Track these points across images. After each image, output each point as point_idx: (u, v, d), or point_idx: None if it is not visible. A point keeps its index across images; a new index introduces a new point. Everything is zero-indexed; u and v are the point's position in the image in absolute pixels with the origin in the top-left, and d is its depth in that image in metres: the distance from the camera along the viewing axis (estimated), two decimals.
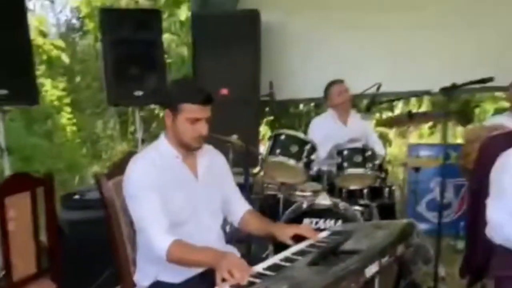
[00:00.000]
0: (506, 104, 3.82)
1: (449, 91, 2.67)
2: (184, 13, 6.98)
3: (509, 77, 3.55)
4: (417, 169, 3.35)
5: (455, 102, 9.75)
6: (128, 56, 3.66)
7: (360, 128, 3.63)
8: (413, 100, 7.02)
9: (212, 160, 2.06)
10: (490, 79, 2.53)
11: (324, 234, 2.04)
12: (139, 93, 3.67)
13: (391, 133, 8.84)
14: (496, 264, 1.96)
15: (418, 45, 4.12)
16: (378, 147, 3.51)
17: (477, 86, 2.64)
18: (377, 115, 7.10)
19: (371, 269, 1.62)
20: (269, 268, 1.63)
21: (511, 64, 3.83)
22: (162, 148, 1.94)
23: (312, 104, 5.75)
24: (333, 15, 4.20)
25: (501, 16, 4.01)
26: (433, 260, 2.83)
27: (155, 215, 1.79)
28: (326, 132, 3.57)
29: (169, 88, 2.06)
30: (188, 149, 1.93)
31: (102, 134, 7.85)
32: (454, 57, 4.05)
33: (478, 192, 2.06)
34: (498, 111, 4.25)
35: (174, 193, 1.88)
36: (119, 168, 2.00)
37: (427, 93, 3.13)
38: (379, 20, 4.08)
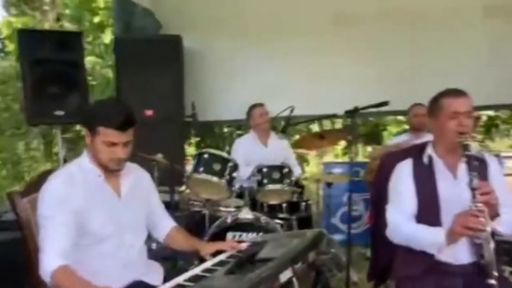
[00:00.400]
0: (407, 126, 4.21)
1: (353, 113, 2.91)
2: (108, 36, 6.93)
3: (408, 101, 3.95)
4: (329, 185, 3.56)
5: (365, 125, 10.51)
6: (48, 76, 3.57)
7: (280, 149, 3.79)
8: (328, 122, 7.42)
9: (137, 179, 2.04)
10: (386, 103, 2.79)
11: (244, 245, 2.11)
12: (60, 112, 3.58)
13: (310, 153, 9.30)
14: (397, 265, 2.11)
15: (329, 70, 4.40)
16: (294, 165, 3.68)
17: (375, 110, 2.89)
18: (297, 136, 7.40)
19: (285, 275, 1.69)
20: (189, 279, 1.66)
21: (409, 90, 4.22)
22: (84, 165, 1.89)
23: (235, 125, 5.91)
24: (251, 41, 4.40)
25: (399, 45, 4.41)
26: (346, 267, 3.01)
27: (54, 237, 1.70)
28: (248, 153, 3.72)
29: (88, 109, 2.00)
30: (106, 170, 1.89)
31: (25, 155, 7.44)
32: (360, 82, 4.37)
33: (379, 202, 2.23)
34: (400, 133, 4.64)
35: (95, 211, 1.83)
36: (35, 186, 1.90)
37: (334, 116, 3.36)
38: (294, 46, 4.32)
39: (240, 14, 4.35)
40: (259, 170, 3.19)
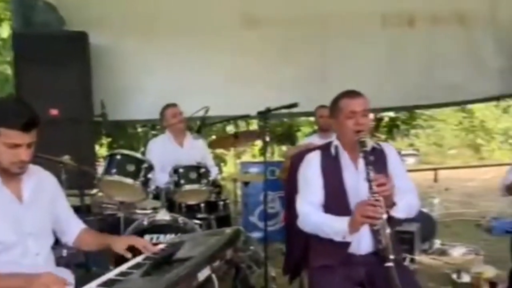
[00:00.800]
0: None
1: (265, 114, 3.01)
2: (6, 31, 6.36)
3: (318, 103, 4.15)
4: (246, 184, 3.63)
5: (280, 126, 10.86)
6: None
7: (196, 149, 3.77)
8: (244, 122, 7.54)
9: (39, 182, 1.91)
10: (295, 105, 2.92)
11: (161, 246, 2.08)
12: None
13: (228, 153, 9.40)
14: (311, 257, 2.21)
15: (243, 71, 4.46)
16: (211, 165, 3.70)
17: (286, 111, 3.00)
18: (213, 136, 7.43)
19: (204, 273, 1.70)
20: (103, 284, 1.60)
21: (318, 93, 4.42)
22: None
23: (149, 125, 5.76)
24: (163, 39, 4.29)
25: (308, 49, 4.59)
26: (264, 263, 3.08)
27: None
28: (163, 153, 3.66)
29: None
30: (7, 174, 1.76)
31: None
32: (273, 84, 4.49)
33: (292, 199, 2.33)
34: (312, 133, 4.87)
35: None
36: None
37: (248, 116, 3.44)
38: (208, 45, 4.31)
39: (150, 10, 4.22)
40: (175, 170, 3.16)
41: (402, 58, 4.68)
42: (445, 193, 6.06)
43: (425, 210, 4.71)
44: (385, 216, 1.86)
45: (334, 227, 2.01)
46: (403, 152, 9.29)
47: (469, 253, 3.87)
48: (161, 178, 3.26)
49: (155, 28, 4.26)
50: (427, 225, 4.09)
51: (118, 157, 2.93)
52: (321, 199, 2.13)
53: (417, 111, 9.15)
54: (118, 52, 4.40)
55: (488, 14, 4.67)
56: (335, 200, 2.11)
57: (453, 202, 5.74)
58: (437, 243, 4.02)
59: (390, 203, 1.95)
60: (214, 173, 3.61)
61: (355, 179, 2.09)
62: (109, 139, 5.63)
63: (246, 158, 9.24)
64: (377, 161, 2.01)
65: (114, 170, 2.88)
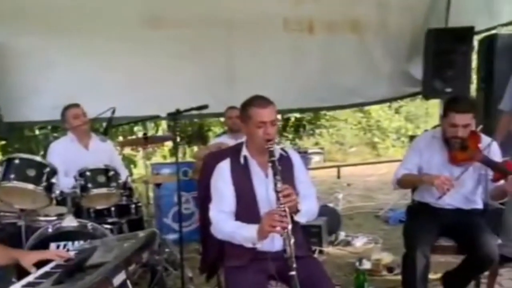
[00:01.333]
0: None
1: (175, 116, 3.01)
2: None
3: (227, 104, 4.23)
4: (158, 185, 3.57)
5: (191, 126, 10.80)
6: None
7: (103, 151, 3.62)
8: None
9: None
10: (205, 106, 2.96)
11: (71, 254, 1.98)
12: None
13: (138, 155, 9.11)
14: (225, 258, 2.27)
15: (151, 71, 4.34)
16: (122, 168, 3.58)
17: (195, 112, 3.03)
18: (120, 138, 7.16)
19: (119, 278, 1.66)
20: None
21: (227, 94, 4.52)
22: None
23: (49, 127, 5.37)
24: (63, 37, 4.00)
25: (217, 51, 4.60)
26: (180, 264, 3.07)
27: None
28: (67, 156, 3.46)
29: None
30: None
31: None
32: (184, 85, 4.44)
33: (205, 199, 2.36)
34: (221, 133, 4.91)
35: None
36: None
37: (158, 117, 3.39)
38: (112, 45, 4.11)
39: (49, 6, 3.90)
40: (81, 174, 3.02)
41: (304, 61, 4.87)
42: (347, 188, 6.50)
43: (330, 204, 5.03)
44: (290, 226, 1.97)
45: (244, 236, 2.11)
46: (309, 151, 9.86)
47: (369, 242, 4.21)
48: (65, 182, 3.10)
49: (56, 25, 3.93)
50: (332, 218, 4.36)
51: (17, 161, 2.75)
52: (233, 207, 2.21)
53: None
54: (12, 50, 4.01)
55: (377, 22, 5.01)
56: (246, 208, 2.20)
57: (354, 196, 6.16)
58: (342, 235, 4.30)
59: (295, 210, 2.09)
60: (124, 175, 3.50)
61: (265, 187, 2.19)
62: (3, 142, 5.16)
63: (156, 159, 9.04)
64: (284, 168, 2.14)
65: (12, 176, 2.69)
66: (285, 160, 2.27)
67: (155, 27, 4.29)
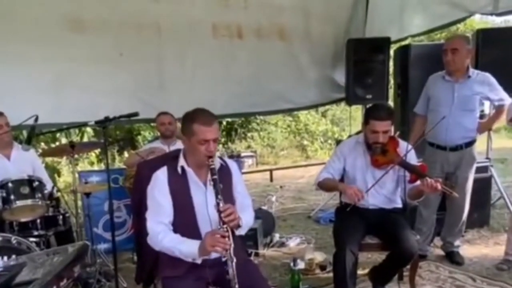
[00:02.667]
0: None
1: (103, 123, 2.92)
2: None
3: (157, 110, 4.15)
4: (88, 194, 3.42)
5: (119, 130, 10.41)
6: None
7: (26, 161, 3.42)
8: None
9: None
10: (136, 114, 2.90)
11: None
12: None
13: (62, 162, 8.62)
14: (161, 268, 2.24)
15: (75, 77, 4.13)
16: (45, 177, 3.40)
17: (126, 119, 2.95)
18: (43, 145, 6.76)
19: None
20: None
21: (155, 100, 4.44)
22: None
23: None
24: None
25: (146, 55, 4.46)
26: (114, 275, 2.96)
27: None
28: None
29: None
30: None
31: None
32: (109, 90, 4.26)
33: (139, 208, 2.31)
34: (154, 138, 4.79)
35: None
36: None
37: (85, 124, 3.25)
38: (34, 51, 3.86)
39: None
40: (3, 185, 2.84)
41: (234, 67, 4.89)
42: (280, 191, 6.64)
43: (264, 207, 5.11)
44: (232, 247, 1.99)
45: (183, 252, 2.09)
46: (242, 154, 9.94)
47: (303, 243, 4.33)
48: None
49: None
50: (267, 221, 4.43)
51: None
52: (171, 217, 2.17)
53: None
54: None
55: (302, 30, 5.19)
56: (184, 218, 2.17)
57: (287, 198, 6.30)
58: (276, 236, 4.37)
59: (236, 226, 2.11)
60: (49, 186, 3.32)
61: (203, 197, 2.19)
62: None
63: (83, 165, 8.62)
64: (223, 179, 2.16)
65: None
66: (224, 170, 2.28)
67: (79, 30, 4.08)
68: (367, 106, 3.13)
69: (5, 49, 3.74)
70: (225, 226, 2.01)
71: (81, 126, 3.96)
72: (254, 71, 5.04)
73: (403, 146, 2.95)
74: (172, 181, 2.18)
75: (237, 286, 1.99)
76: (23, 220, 3.00)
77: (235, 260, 2.01)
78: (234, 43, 4.89)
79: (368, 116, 2.90)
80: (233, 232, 2.09)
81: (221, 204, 2.03)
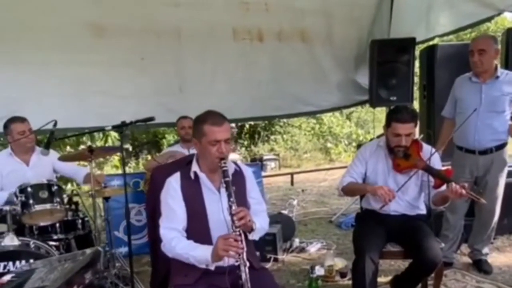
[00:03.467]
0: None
1: (120, 128, 2.92)
2: None
3: (179, 114, 4.15)
4: (107, 199, 3.44)
5: (146, 134, 10.55)
6: None
7: (45, 166, 3.45)
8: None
9: None
10: (151, 119, 2.89)
11: (7, 277, 1.84)
12: None
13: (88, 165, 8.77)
14: (173, 275, 2.20)
15: (97, 82, 4.18)
16: (77, 170, 3.51)
17: (142, 123, 2.94)
18: (68, 149, 6.88)
19: None
20: None
21: (175, 104, 4.44)
22: None
23: None
24: (3, 49, 3.75)
25: (166, 60, 4.48)
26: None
27: None
28: (7, 171, 3.29)
29: None
30: None
31: None
32: (130, 95, 4.31)
33: (154, 213, 2.28)
34: (176, 142, 4.80)
35: None
36: None
37: (102, 129, 3.28)
38: (55, 57, 3.92)
39: None
40: (22, 190, 2.87)
41: (255, 70, 4.86)
42: (302, 194, 6.54)
43: (285, 211, 5.03)
44: (245, 250, 1.94)
45: (197, 258, 2.05)
46: (265, 157, 9.88)
47: (323, 248, 4.23)
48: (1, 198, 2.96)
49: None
50: (287, 225, 4.36)
51: None
52: (184, 224, 2.13)
53: None
54: None
55: (324, 33, 5.10)
56: (196, 225, 2.13)
57: (309, 202, 6.20)
58: (296, 241, 4.29)
59: (249, 230, 2.07)
60: (83, 173, 3.45)
61: (216, 202, 2.14)
62: None
63: (107, 169, 8.74)
64: (237, 184, 2.11)
65: None
66: (238, 175, 2.23)
67: (100, 35, 4.12)
68: (390, 109, 3.02)
69: (27, 56, 3.82)
70: (237, 229, 1.96)
71: (98, 130, 4.00)
72: (275, 74, 5.00)
73: (427, 150, 2.82)
74: (185, 187, 2.15)
75: None
76: (42, 224, 3.04)
77: (248, 264, 1.96)
78: (254, 46, 4.85)
79: (390, 118, 2.79)
80: (246, 237, 2.05)
81: (233, 207, 1.98)
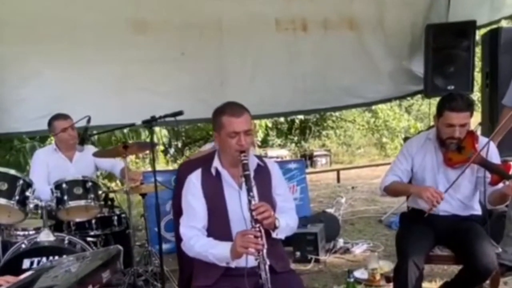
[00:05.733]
0: None
1: (149, 123, 2.93)
2: None
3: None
4: (143, 195, 3.45)
5: (200, 131, 10.71)
6: None
7: (86, 162, 3.51)
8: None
9: None
10: (180, 113, 2.87)
11: (28, 274, 1.86)
12: None
13: (139, 162, 9.06)
14: (194, 276, 2.14)
15: (136, 78, 4.22)
16: (116, 163, 3.57)
17: (183, 118, 2.94)
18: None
19: None
20: None
21: (216, 99, 4.35)
22: None
23: (38, 138, 5.28)
24: (45, 47, 3.88)
25: (205, 55, 4.43)
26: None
27: None
28: (50, 166, 3.40)
29: None
30: None
31: None
32: (170, 91, 4.30)
33: (179, 211, 2.22)
34: None
35: None
36: None
37: (133, 125, 3.30)
38: (92, 53, 3.99)
39: (30, 14, 3.74)
40: (57, 186, 2.94)
41: (299, 62, 4.70)
42: (351, 192, 6.32)
43: (331, 210, 4.86)
44: (265, 248, 1.85)
45: (217, 256, 1.98)
46: (316, 153, 9.68)
47: (369, 249, 4.02)
48: (45, 191, 3.02)
49: (37, 34, 3.80)
50: (330, 225, 4.19)
51: None
52: (205, 222, 2.07)
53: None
54: None
55: (375, 19, 4.85)
56: (217, 223, 2.06)
57: (358, 200, 5.96)
58: (340, 242, 4.11)
59: (272, 227, 1.96)
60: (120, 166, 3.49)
61: (238, 199, 2.04)
62: None
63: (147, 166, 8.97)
64: (261, 180, 2.02)
65: None
66: (262, 171, 2.13)
67: (141, 31, 4.17)
68: (442, 96, 2.75)
69: (68, 53, 3.93)
70: (257, 225, 1.86)
71: (127, 126, 4.04)
72: (320, 65, 4.81)
73: (483, 142, 2.53)
74: (205, 184, 2.08)
75: None
76: (78, 220, 3.10)
77: (268, 262, 1.86)
78: (298, 37, 4.71)
79: (443, 107, 2.53)
80: (268, 234, 1.94)
81: (253, 202, 1.88)
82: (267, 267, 1.86)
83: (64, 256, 2.31)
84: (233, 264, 1.98)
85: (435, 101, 5.25)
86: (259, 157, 2.22)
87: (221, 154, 2.13)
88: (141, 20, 4.18)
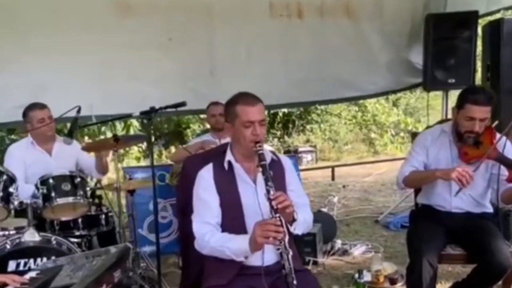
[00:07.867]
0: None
1: (149, 114, 2.95)
2: None
3: (208, 100, 4.13)
4: (131, 192, 3.49)
5: (168, 123, 10.62)
6: None
7: (68, 156, 3.53)
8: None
9: None
10: (183, 104, 2.91)
11: (31, 274, 1.91)
12: None
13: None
14: (205, 276, 2.20)
15: (120, 65, 4.23)
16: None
17: (174, 109, 2.97)
18: (86, 139, 7.03)
19: None
20: None
21: (206, 89, 4.46)
22: None
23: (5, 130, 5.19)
24: (23, 33, 3.85)
25: (196, 41, 4.49)
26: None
27: None
28: (27, 161, 3.38)
29: None
30: None
31: None
32: (155, 79, 4.36)
33: (185, 208, 2.29)
34: (203, 132, 4.82)
35: None
36: None
37: (129, 116, 3.32)
38: (76, 40, 3.99)
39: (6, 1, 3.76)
40: (43, 181, 2.95)
41: (292, 50, 4.80)
42: (343, 191, 6.49)
43: (324, 209, 5.00)
44: (286, 238, 1.93)
45: (234, 250, 2.05)
46: (300, 149, 9.81)
47: (369, 251, 4.18)
48: (24, 189, 3.03)
49: (15, 19, 3.77)
50: (327, 225, 4.32)
51: None
52: (219, 218, 2.14)
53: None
54: None
55: (373, 7, 4.99)
56: (231, 219, 2.14)
57: (351, 199, 6.13)
58: (338, 243, 4.24)
59: (290, 219, 2.05)
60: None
61: (252, 194, 2.14)
62: None
63: (128, 161, 8.89)
64: (275, 175, 2.09)
65: None
66: (276, 165, 2.22)
67: (125, 14, 4.17)
68: (464, 88, 2.87)
69: (48, 39, 3.91)
70: (277, 215, 1.95)
71: (125, 117, 4.06)
72: (315, 55, 4.93)
73: (501, 139, 2.68)
74: (218, 178, 2.16)
75: (295, 282, 1.93)
76: (64, 219, 3.11)
77: (291, 252, 1.96)
78: (293, 24, 4.81)
79: (465, 99, 2.67)
80: (287, 226, 2.02)
81: (271, 191, 1.97)
82: (290, 256, 1.94)
83: (76, 255, 2.35)
84: (251, 259, 2.05)
85: (429, 95, 5.48)
86: (273, 152, 2.32)
87: (234, 146, 2.21)
88: (125, 3, 4.18)
